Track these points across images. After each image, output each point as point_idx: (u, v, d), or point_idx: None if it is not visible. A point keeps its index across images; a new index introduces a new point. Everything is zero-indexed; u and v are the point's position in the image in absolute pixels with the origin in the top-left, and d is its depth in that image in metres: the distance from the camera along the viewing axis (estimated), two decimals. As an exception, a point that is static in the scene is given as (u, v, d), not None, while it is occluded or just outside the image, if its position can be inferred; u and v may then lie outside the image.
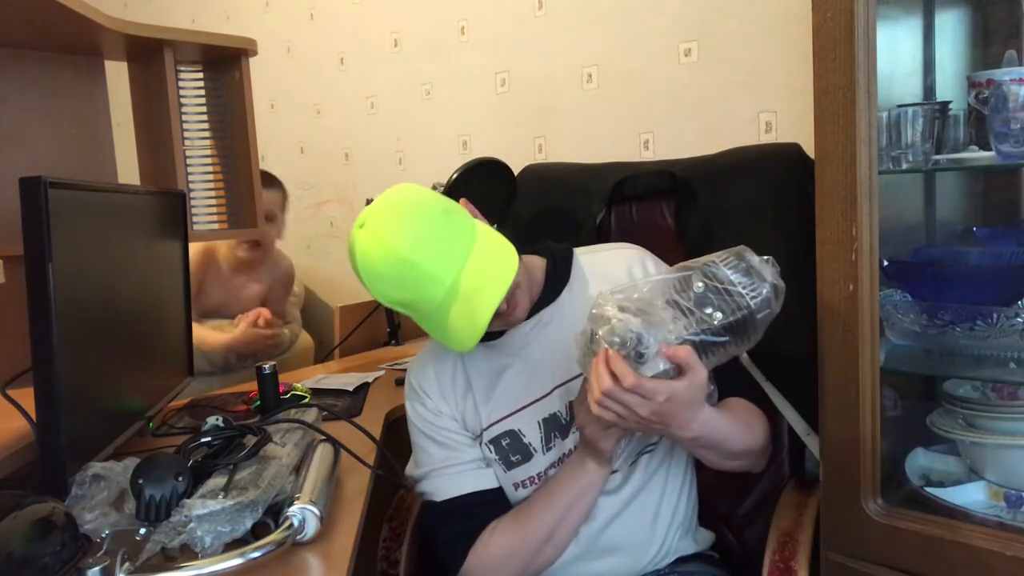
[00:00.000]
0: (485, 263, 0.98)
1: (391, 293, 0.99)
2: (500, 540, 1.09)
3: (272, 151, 2.80)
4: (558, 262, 1.16)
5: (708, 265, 0.89)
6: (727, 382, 1.09)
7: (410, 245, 0.95)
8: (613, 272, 1.14)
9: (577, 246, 1.23)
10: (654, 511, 1.14)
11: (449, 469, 1.12)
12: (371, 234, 0.97)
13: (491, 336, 1.14)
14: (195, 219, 1.68)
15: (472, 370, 1.16)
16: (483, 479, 1.13)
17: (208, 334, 2.10)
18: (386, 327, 2.19)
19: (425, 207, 0.99)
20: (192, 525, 0.87)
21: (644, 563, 1.15)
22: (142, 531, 0.91)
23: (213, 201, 1.74)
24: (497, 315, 0.99)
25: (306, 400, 1.53)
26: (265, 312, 2.13)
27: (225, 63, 1.71)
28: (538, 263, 1.15)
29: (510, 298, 1.02)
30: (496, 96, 2.16)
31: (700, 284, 0.87)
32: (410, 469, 1.18)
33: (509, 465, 1.13)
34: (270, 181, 2.16)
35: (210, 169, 1.73)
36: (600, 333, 0.87)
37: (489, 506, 1.11)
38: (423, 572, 1.30)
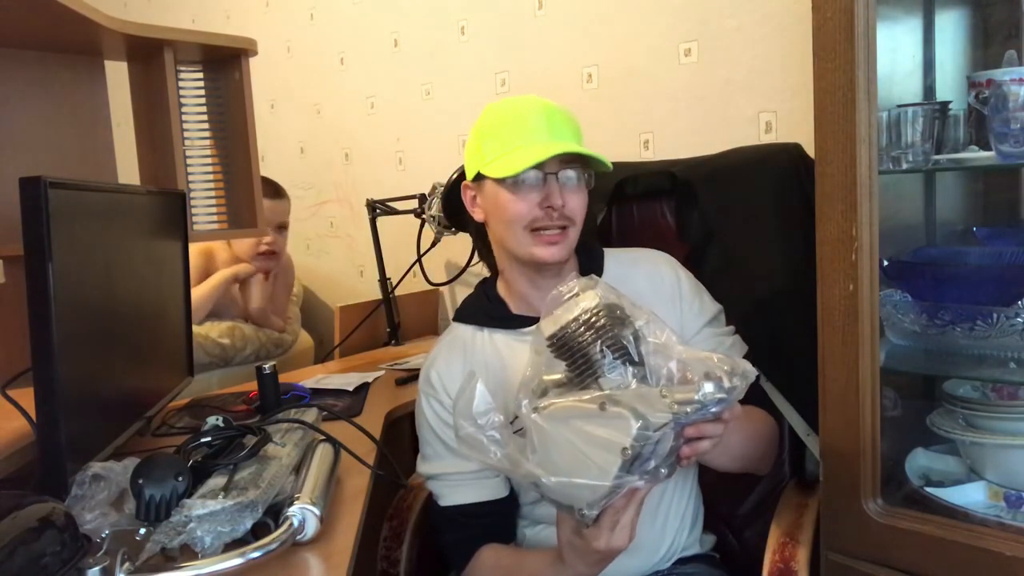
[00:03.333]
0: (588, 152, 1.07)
1: (509, 114, 1.08)
2: None
3: (272, 151, 2.80)
4: (592, 256, 1.19)
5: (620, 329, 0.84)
6: None
7: (559, 107, 1.12)
8: (649, 273, 1.17)
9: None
10: (665, 511, 1.16)
11: (455, 477, 1.13)
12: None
13: (524, 322, 1.13)
14: (195, 219, 1.68)
15: (503, 359, 1.13)
16: (486, 490, 1.13)
17: (206, 282, 2.11)
18: (386, 327, 2.19)
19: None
20: (192, 525, 0.87)
21: (653, 562, 1.16)
22: (142, 531, 0.91)
23: (213, 201, 1.74)
24: (548, 211, 1.06)
25: (306, 400, 1.53)
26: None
27: (225, 63, 1.71)
28: (571, 258, 1.17)
29: (569, 205, 1.07)
30: (496, 96, 2.16)
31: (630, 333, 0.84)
32: (419, 464, 1.19)
33: None
34: (277, 192, 2.16)
35: (210, 169, 1.72)
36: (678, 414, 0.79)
37: (489, 517, 1.13)
38: (423, 572, 1.30)
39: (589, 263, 1.18)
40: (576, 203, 1.08)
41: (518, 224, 1.07)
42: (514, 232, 1.08)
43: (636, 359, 0.83)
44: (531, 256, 1.08)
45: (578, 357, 0.84)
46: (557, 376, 0.87)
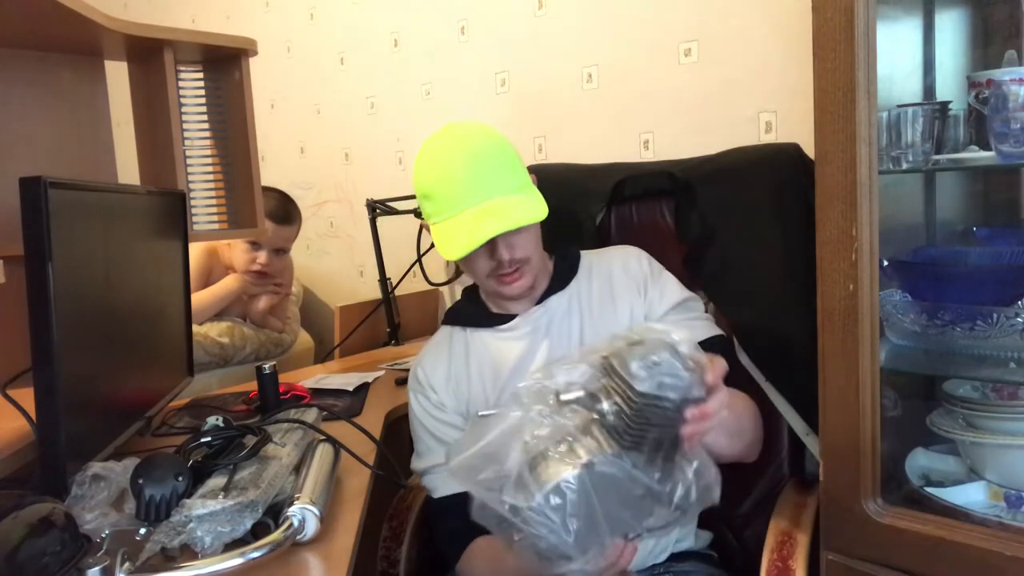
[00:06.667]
0: (519, 202, 1.09)
1: (437, 173, 1.10)
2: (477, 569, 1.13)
3: (272, 151, 2.80)
4: (567, 258, 1.24)
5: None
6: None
7: (485, 147, 1.10)
8: (618, 266, 1.21)
9: (579, 248, 1.27)
10: None
11: (445, 468, 1.14)
12: (457, 127, 1.14)
13: (502, 320, 1.20)
14: (195, 219, 1.68)
15: (485, 355, 1.20)
16: None
17: (216, 287, 2.10)
18: (386, 327, 2.19)
19: (505, 142, 1.14)
20: (192, 525, 0.87)
21: (644, 554, 1.16)
22: (142, 531, 0.91)
23: (213, 201, 1.74)
24: (499, 263, 1.10)
25: (306, 400, 1.53)
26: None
27: (225, 63, 1.71)
28: (548, 257, 1.23)
29: (517, 252, 1.11)
30: (496, 96, 2.16)
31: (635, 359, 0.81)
32: (414, 461, 1.23)
33: None
34: (287, 216, 2.13)
35: (210, 169, 1.72)
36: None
37: None
38: (423, 572, 1.30)
39: (564, 265, 1.22)
40: (524, 244, 1.12)
41: (479, 275, 1.16)
42: (477, 278, 1.18)
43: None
44: (499, 294, 1.17)
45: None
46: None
